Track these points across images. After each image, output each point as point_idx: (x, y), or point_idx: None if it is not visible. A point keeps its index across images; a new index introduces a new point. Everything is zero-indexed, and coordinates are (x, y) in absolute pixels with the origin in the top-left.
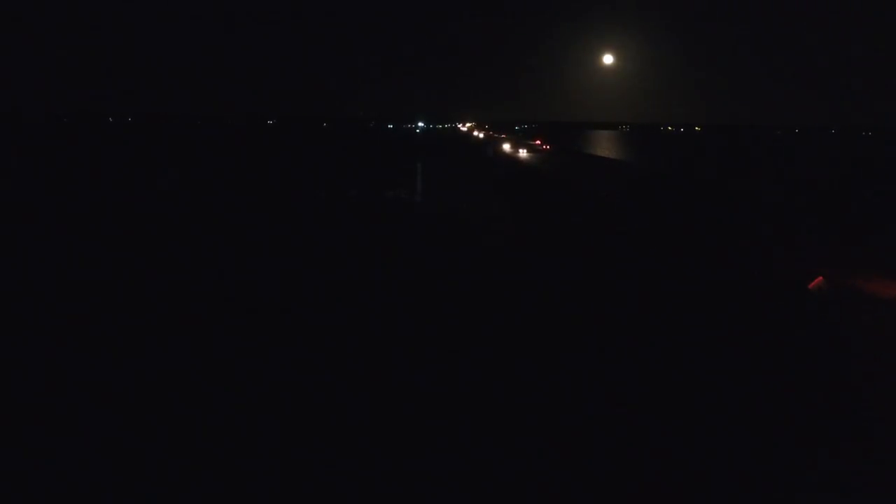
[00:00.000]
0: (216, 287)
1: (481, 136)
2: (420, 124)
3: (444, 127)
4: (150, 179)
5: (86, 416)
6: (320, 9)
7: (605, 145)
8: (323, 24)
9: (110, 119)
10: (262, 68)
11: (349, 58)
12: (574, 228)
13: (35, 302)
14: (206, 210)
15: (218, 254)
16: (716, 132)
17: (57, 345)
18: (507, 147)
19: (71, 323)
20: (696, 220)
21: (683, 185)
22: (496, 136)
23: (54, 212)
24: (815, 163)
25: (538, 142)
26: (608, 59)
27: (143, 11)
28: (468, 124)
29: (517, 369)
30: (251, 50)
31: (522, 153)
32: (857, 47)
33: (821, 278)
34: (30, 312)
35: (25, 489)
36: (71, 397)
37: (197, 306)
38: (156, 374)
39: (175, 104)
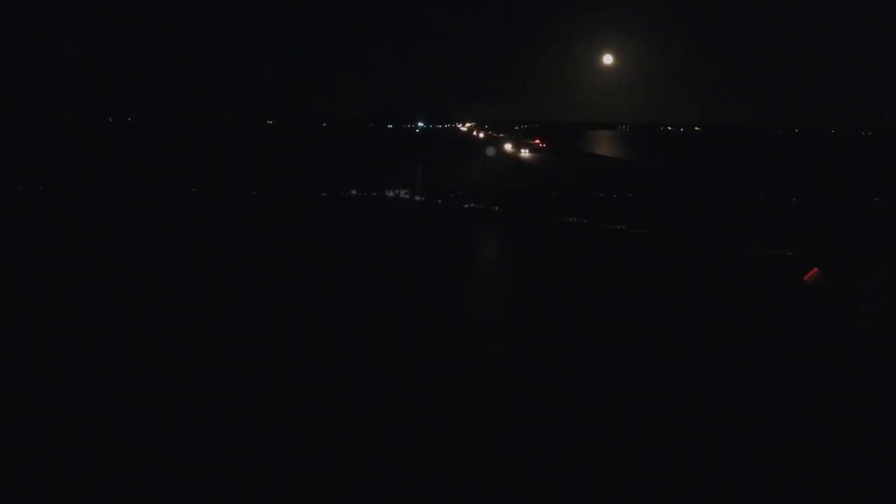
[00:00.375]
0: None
1: (482, 135)
2: (420, 124)
3: (443, 127)
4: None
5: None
6: (320, 7)
7: (604, 145)
8: (322, 24)
9: (110, 119)
10: (260, 68)
11: (349, 57)
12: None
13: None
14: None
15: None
16: (716, 132)
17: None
18: (507, 146)
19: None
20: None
21: (666, 181)
22: (496, 135)
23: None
24: (813, 162)
25: (537, 141)
26: (608, 59)
27: (141, 10)
28: (468, 124)
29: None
30: (250, 49)
31: (512, 149)
32: (857, 47)
33: (816, 270)
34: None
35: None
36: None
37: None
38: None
39: (173, 104)
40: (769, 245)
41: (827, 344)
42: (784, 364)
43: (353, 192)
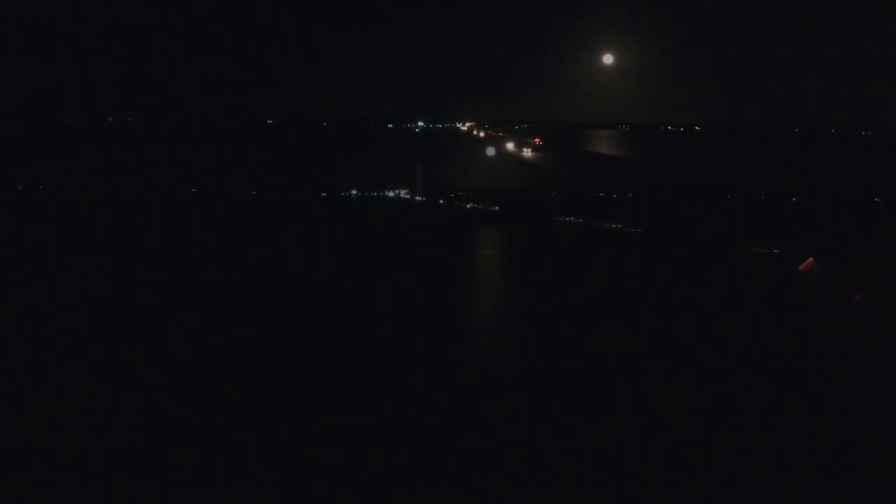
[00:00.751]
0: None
1: (482, 135)
2: (420, 124)
3: (443, 127)
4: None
5: None
6: (319, 6)
7: (604, 145)
8: (322, 23)
9: (110, 119)
10: (259, 66)
11: (349, 57)
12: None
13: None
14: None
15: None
16: (715, 132)
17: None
18: (507, 146)
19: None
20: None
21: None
22: (496, 135)
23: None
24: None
25: (537, 140)
26: (608, 58)
27: (140, 8)
28: (468, 124)
29: None
30: (249, 48)
31: (512, 149)
32: (857, 46)
33: (811, 259)
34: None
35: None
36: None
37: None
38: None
39: (172, 104)
40: (765, 243)
41: (822, 336)
42: (781, 357)
43: (354, 192)
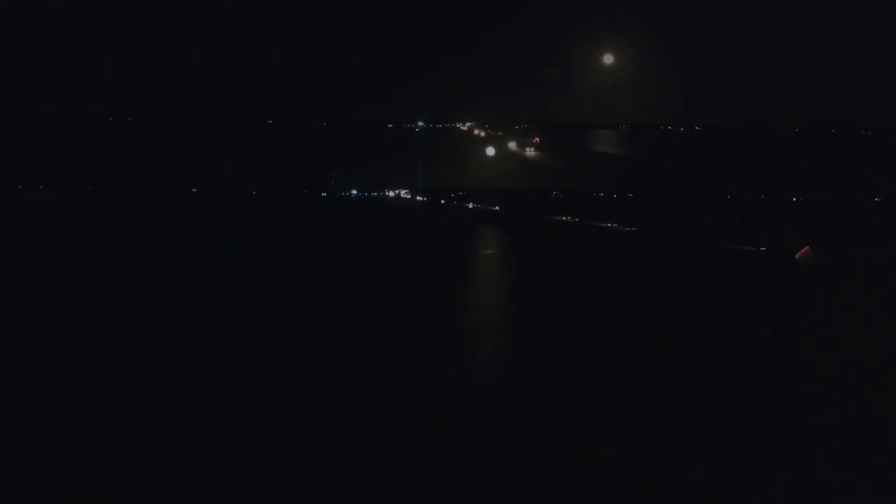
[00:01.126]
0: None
1: (482, 135)
2: (420, 124)
3: (443, 126)
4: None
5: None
6: (319, 6)
7: (604, 145)
8: (321, 23)
9: (110, 118)
10: (258, 66)
11: (349, 57)
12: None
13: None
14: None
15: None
16: (716, 132)
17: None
18: (507, 146)
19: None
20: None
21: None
22: (496, 135)
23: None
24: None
25: (537, 140)
26: (608, 58)
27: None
28: (468, 124)
29: None
30: (249, 48)
31: (513, 148)
32: (857, 45)
33: (807, 248)
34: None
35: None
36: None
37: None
38: None
39: (172, 104)
40: (761, 242)
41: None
42: (779, 353)
43: (354, 191)
